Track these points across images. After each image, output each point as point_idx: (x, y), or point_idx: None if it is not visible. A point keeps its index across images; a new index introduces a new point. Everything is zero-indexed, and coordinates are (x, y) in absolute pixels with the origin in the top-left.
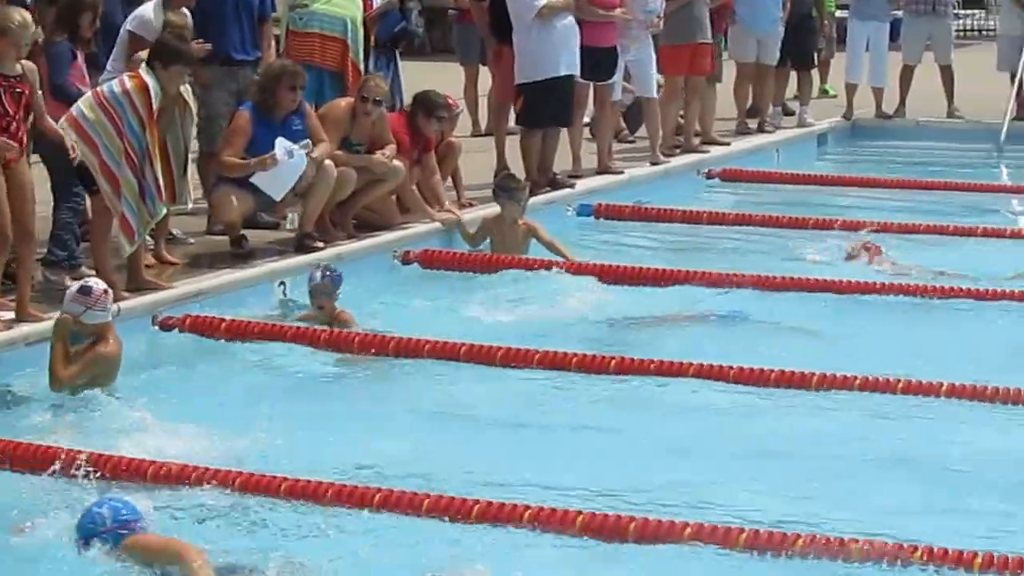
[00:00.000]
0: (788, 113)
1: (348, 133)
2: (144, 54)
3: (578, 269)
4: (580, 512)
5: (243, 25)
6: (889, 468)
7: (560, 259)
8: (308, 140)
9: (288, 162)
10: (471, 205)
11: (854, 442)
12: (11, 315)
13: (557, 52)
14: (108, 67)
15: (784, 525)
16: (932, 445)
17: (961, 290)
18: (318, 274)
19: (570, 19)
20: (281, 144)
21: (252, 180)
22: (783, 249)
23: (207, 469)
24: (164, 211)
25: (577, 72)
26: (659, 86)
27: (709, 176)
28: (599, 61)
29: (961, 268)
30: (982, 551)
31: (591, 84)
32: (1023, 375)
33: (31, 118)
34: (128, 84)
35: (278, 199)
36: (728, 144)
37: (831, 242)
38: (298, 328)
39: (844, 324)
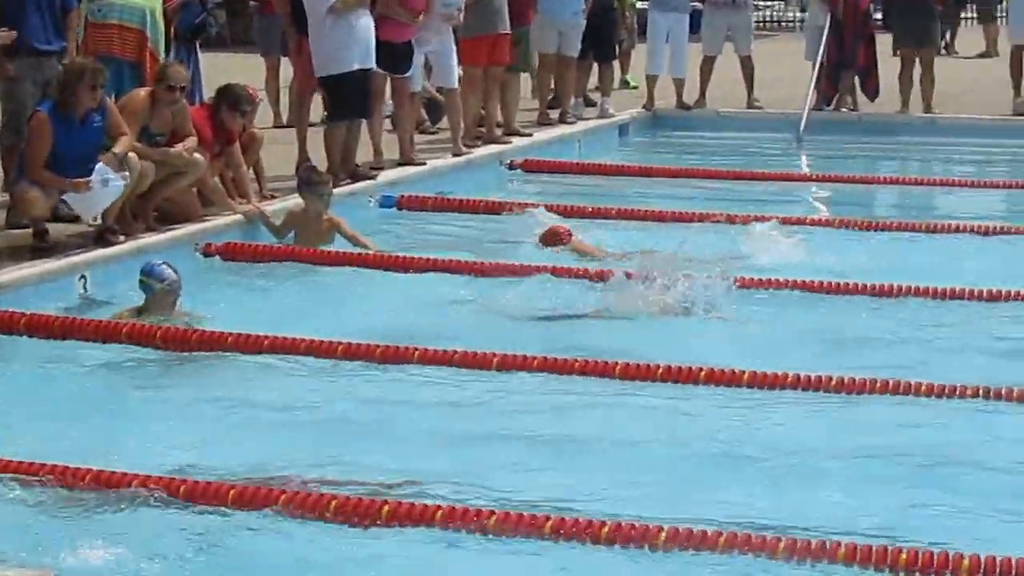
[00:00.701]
0: (590, 104)
1: (147, 123)
2: None
3: (381, 261)
4: (386, 502)
5: (46, 15)
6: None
7: (364, 251)
8: (127, 172)
9: (102, 189)
10: (273, 197)
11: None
12: None
13: (350, 47)
14: None
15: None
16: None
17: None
18: (170, 272)
19: (365, 14)
20: (99, 171)
21: (64, 197)
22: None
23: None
24: None
25: (372, 65)
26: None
27: (511, 167)
28: (396, 55)
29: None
30: (828, 539)
31: (388, 76)
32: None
33: None
34: None
35: (87, 220)
36: (530, 135)
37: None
38: (133, 325)
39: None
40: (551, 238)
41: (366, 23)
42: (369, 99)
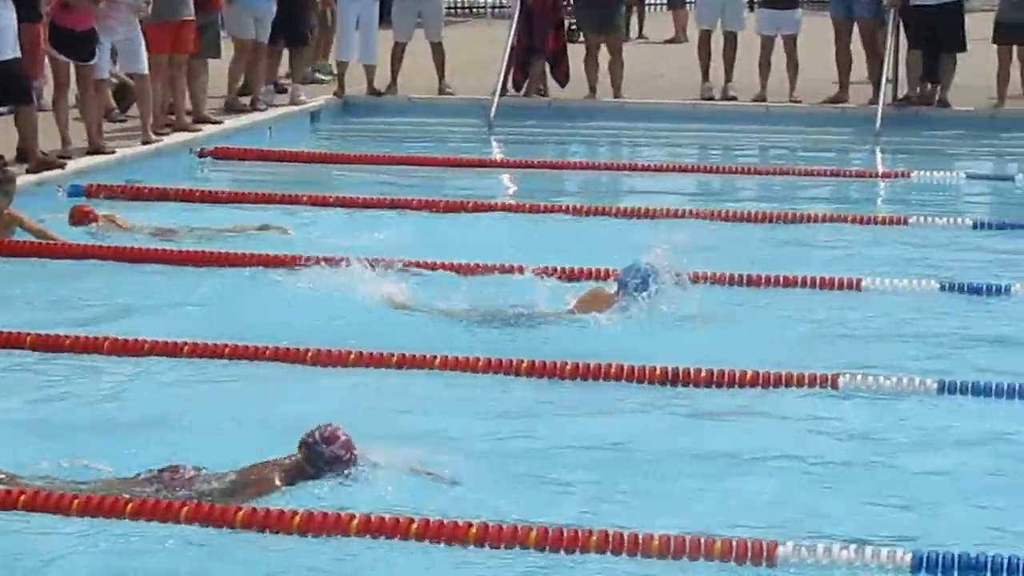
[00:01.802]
0: (281, 91)
1: None
2: None
3: (71, 251)
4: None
5: None
6: None
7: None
8: None
9: None
10: None
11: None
12: None
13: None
14: None
15: None
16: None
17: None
18: None
19: (7, 7)
20: None
21: None
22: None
23: None
24: None
25: (18, 54)
26: None
27: (201, 154)
28: (78, 42)
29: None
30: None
31: (71, 64)
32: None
33: None
34: None
35: None
36: (221, 122)
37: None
38: None
39: None
40: (80, 216)
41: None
42: (25, 87)
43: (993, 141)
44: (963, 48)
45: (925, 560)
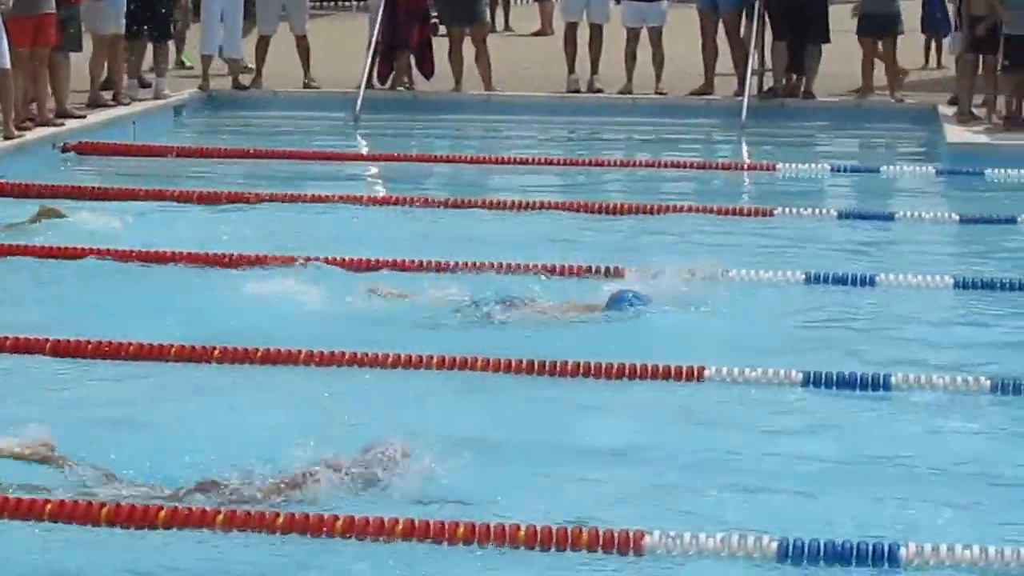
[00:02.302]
0: (144, 85)
1: None
2: None
3: None
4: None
5: None
6: None
7: None
8: None
9: None
10: None
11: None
12: None
13: None
14: None
15: None
16: None
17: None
18: None
19: None
20: None
21: None
22: (143, 222)
23: None
24: None
25: None
26: None
27: (64, 150)
28: None
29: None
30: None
31: None
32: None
33: None
34: None
35: None
36: (84, 117)
37: None
38: None
39: None
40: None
41: None
42: None
43: (858, 132)
44: (827, 39)
45: (791, 547)
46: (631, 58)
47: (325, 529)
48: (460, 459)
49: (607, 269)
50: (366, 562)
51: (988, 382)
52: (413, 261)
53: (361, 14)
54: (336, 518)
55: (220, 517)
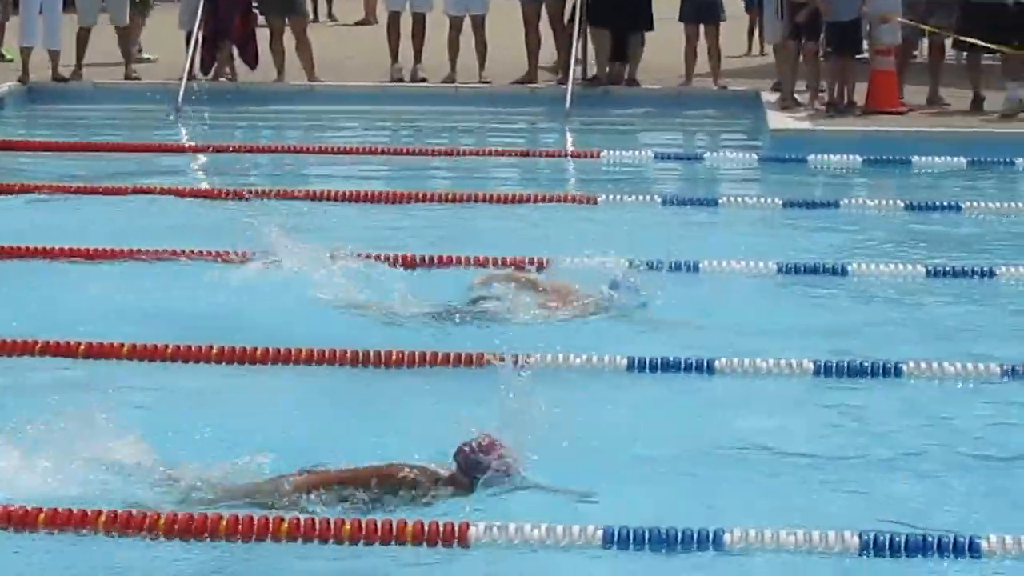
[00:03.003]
0: None
1: None
2: None
3: None
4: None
5: None
6: None
7: None
8: None
9: None
10: None
11: None
12: None
13: None
14: None
15: None
16: None
17: None
18: None
19: None
20: None
21: None
22: None
23: None
24: None
25: None
26: None
27: None
28: None
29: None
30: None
31: None
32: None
33: None
34: None
35: None
36: None
37: None
38: None
39: None
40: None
41: None
42: None
43: (682, 119)
44: (650, 27)
45: (616, 535)
46: (454, 47)
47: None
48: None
49: (433, 259)
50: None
51: (812, 365)
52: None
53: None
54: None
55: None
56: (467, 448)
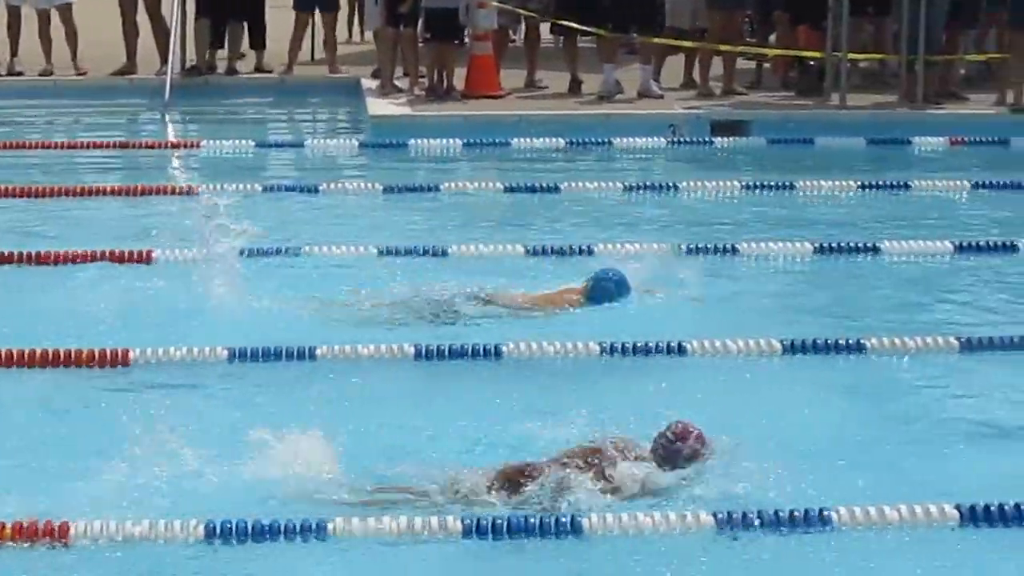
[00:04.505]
0: None
1: None
2: None
3: None
4: None
5: None
6: None
7: None
8: None
9: None
10: None
11: None
12: None
13: None
14: None
15: None
16: None
17: None
18: None
19: None
20: None
21: None
22: None
23: None
24: None
25: None
26: None
27: None
28: None
29: None
30: None
31: None
32: None
33: None
34: None
35: None
36: None
37: None
38: None
39: None
40: None
41: None
42: None
43: (284, 108)
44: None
45: (216, 528)
46: (46, 39)
47: None
48: None
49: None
50: None
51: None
52: None
53: None
54: None
55: None
56: (662, 439)
